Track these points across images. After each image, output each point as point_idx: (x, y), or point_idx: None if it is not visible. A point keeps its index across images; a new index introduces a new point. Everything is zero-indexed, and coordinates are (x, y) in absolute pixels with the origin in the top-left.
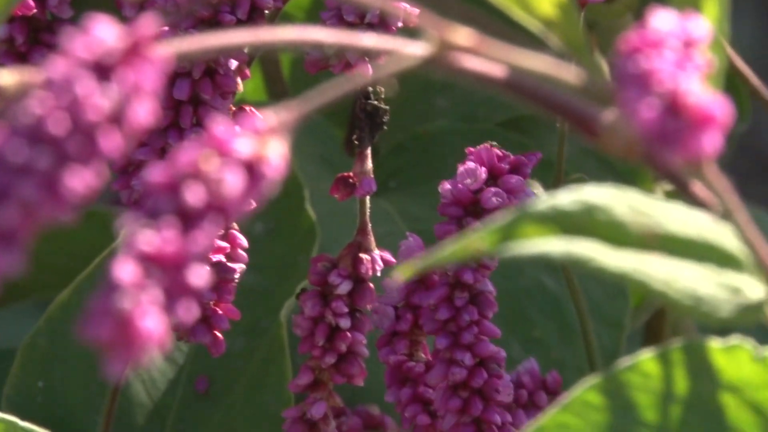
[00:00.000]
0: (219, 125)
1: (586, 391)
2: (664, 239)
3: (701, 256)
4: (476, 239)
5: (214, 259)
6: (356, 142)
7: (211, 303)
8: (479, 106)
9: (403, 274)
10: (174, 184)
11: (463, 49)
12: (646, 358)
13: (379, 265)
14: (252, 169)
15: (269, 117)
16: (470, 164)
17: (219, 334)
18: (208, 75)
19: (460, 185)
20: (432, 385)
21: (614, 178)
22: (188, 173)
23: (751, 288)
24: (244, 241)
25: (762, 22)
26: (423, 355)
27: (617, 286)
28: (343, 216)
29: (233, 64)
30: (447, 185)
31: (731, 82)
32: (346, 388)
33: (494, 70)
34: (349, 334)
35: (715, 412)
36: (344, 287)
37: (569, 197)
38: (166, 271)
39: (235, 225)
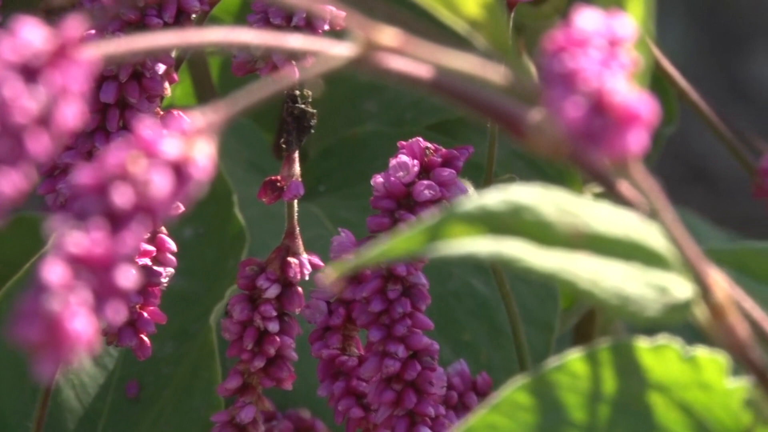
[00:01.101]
0: (146, 127)
1: (514, 391)
2: (591, 239)
3: (628, 255)
4: (404, 239)
5: (141, 263)
6: (284, 146)
7: (138, 307)
8: (407, 109)
9: (333, 273)
10: (102, 186)
11: (389, 49)
12: (574, 358)
13: (308, 269)
14: (179, 170)
15: (196, 118)
16: (402, 157)
17: (145, 338)
18: (134, 78)
19: (392, 178)
20: (365, 379)
21: (543, 180)
22: (116, 174)
23: (678, 287)
24: (172, 245)
25: (690, 27)
26: (356, 350)
27: (547, 288)
28: (273, 220)
29: (160, 67)
30: (379, 178)
31: (659, 85)
32: (278, 392)
33: (420, 70)
34: (277, 338)
35: (643, 412)
36: (272, 291)
37: (496, 197)
38: (94, 273)
39: (163, 229)
